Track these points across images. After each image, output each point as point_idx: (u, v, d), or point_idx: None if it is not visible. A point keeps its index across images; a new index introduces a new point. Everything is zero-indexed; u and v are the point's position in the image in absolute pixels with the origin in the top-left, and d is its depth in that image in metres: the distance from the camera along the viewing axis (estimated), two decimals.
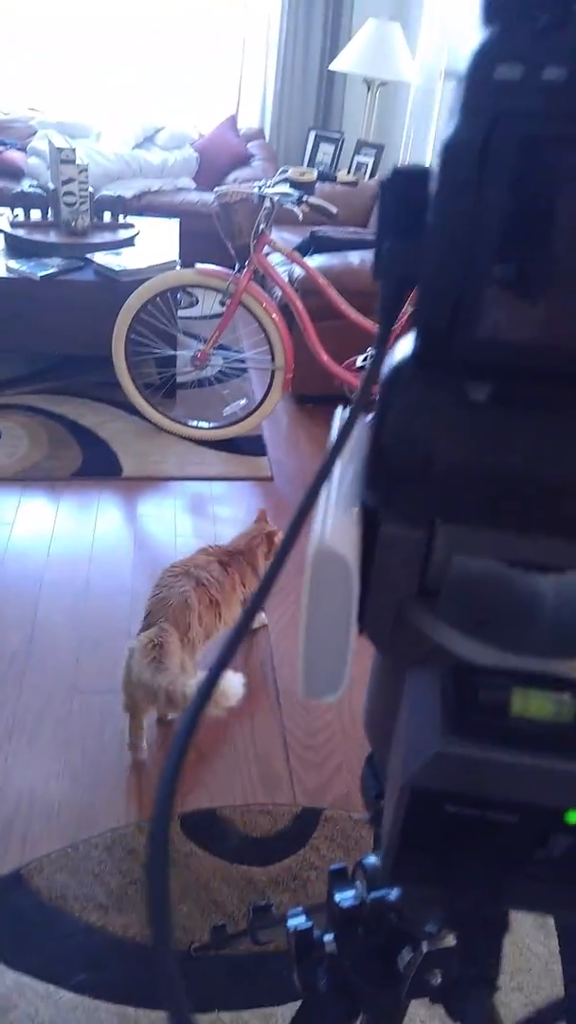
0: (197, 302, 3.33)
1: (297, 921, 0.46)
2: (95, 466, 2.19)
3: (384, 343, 0.25)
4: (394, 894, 0.38)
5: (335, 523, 0.26)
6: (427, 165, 0.23)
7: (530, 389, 0.23)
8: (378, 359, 0.25)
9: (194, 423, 2.38)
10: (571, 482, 0.24)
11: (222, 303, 2.18)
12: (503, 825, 0.24)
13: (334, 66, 3.60)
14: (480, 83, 0.20)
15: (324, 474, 0.26)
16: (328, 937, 0.45)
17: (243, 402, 2.41)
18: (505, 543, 0.26)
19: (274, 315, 2.19)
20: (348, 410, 0.27)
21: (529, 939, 1.10)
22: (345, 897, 0.43)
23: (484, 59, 0.20)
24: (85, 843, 1.20)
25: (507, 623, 0.28)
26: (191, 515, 2.06)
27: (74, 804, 1.27)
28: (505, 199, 0.21)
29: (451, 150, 0.21)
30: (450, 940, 0.39)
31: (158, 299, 2.29)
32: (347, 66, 3.48)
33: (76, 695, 1.48)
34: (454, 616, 0.28)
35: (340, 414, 0.30)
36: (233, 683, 1.24)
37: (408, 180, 0.23)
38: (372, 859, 0.40)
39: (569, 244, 0.21)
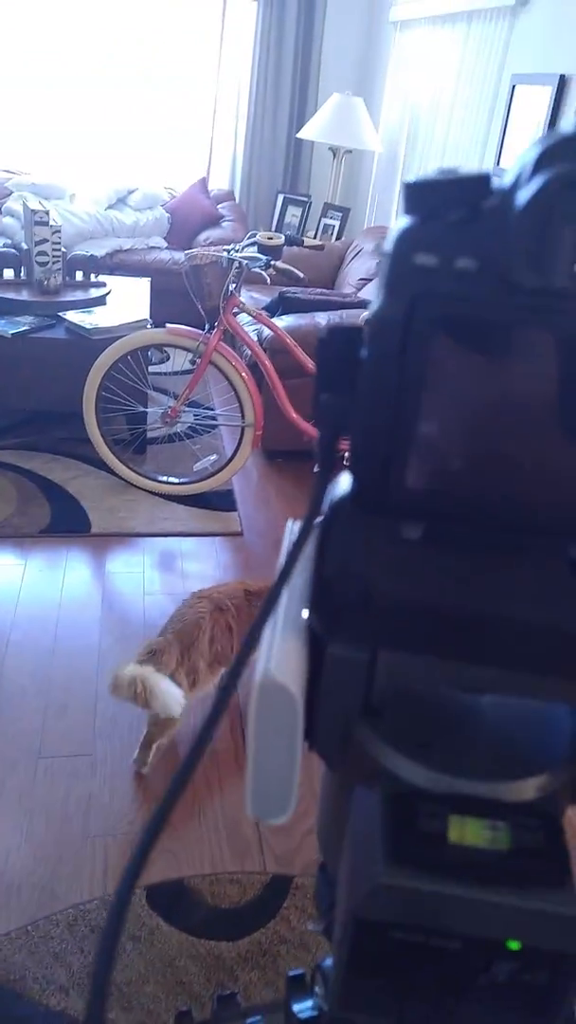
0: (168, 358, 3.40)
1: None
2: (64, 522, 2.19)
3: (324, 480, 0.27)
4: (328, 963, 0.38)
5: (280, 652, 0.27)
6: (359, 327, 0.25)
7: (460, 530, 0.25)
8: (318, 494, 0.27)
9: (164, 478, 2.40)
10: (496, 617, 0.26)
11: (192, 362, 2.24)
12: (448, 951, 0.25)
13: (302, 134, 3.79)
14: (401, 266, 0.22)
15: (276, 595, 0.27)
16: None
17: (214, 458, 2.44)
18: (444, 669, 0.27)
19: (243, 373, 2.24)
20: (298, 527, 0.28)
21: None
22: (303, 1008, 0.43)
23: (404, 245, 0.22)
24: (46, 920, 1.16)
25: (447, 745, 0.29)
26: (160, 571, 2.06)
27: (35, 879, 1.23)
28: (425, 372, 0.23)
29: (375, 325, 0.23)
30: None
31: (129, 357, 2.33)
32: (313, 135, 3.67)
33: (40, 760, 1.45)
34: (396, 736, 0.29)
35: (290, 527, 0.32)
36: (164, 686, 1.25)
37: (343, 339, 0.25)
38: (331, 962, 0.40)
39: (485, 415, 0.23)
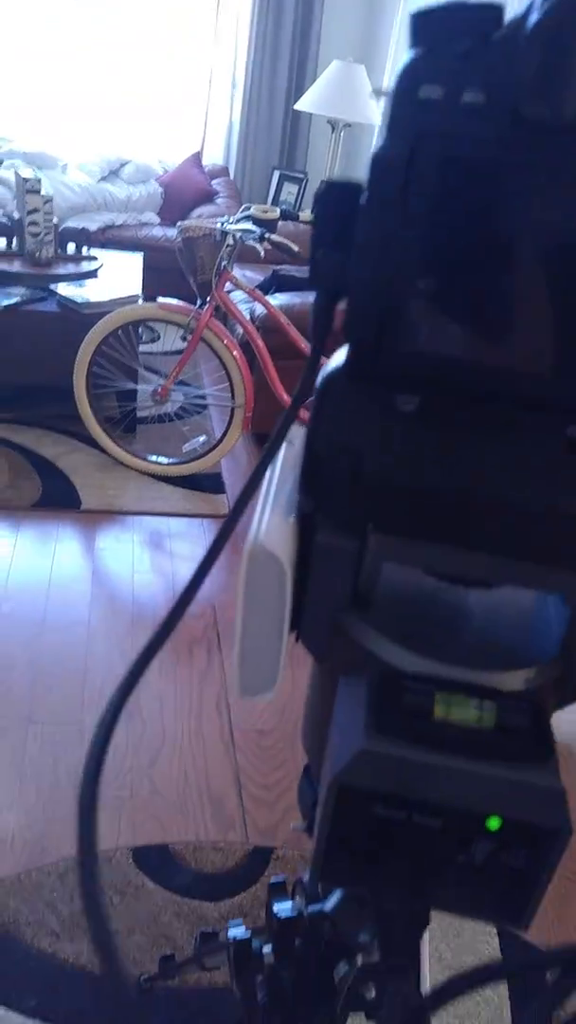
0: (159, 337, 3.39)
1: (237, 932, 0.47)
2: (54, 497, 2.21)
3: (317, 352, 0.25)
4: (330, 904, 0.40)
5: (270, 525, 0.27)
6: (359, 180, 0.24)
7: (457, 403, 0.24)
8: (311, 367, 0.26)
9: (153, 458, 2.42)
10: (490, 496, 0.25)
11: (183, 339, 2.24)
12: (428, 829, 0.25)
13: (299, 106, 3.73)
14: (405, 101, 0.21)
15: (262, 469, 0.27)
16: (267, 949, 0.46)
17: (203, 439, 2.46)
18: (433, 555, 0.27)
19: (235, 352, 2.26)
20: (286, 411, 0.27)
21: (476, 940, 1.15)
22: (283, 908, 0.44)
23: (409, 78, 0.20)
24: (38, 871, 1.22)
25: (435, 635, 0.29)
26: (149, 550, 2.09)
27: (27, 835, 1.28)
28: (428, 216, 0.21)
29: (378, 165, 0.21)
30: (372, 957, 0.41)
31: (120, 332, 2.34)
32: (312, 106, 3.60)
33: (31, 726, 1.49)
34: (385, 626, 0.28)
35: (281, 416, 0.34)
36: None
37: (342, 193, 0.24)
38: (330, 904, 0.41)
39: (487, 263, 0.22)
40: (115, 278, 2.78)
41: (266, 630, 0.28)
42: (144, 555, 2.06)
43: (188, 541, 2.15)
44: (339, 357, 0.26)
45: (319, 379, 0.26)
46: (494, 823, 0.25)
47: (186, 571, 2.02)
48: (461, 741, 0.25)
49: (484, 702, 0.26)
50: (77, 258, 2.83)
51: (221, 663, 1.73)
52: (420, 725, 0.25)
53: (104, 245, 3.50)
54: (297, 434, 0.34)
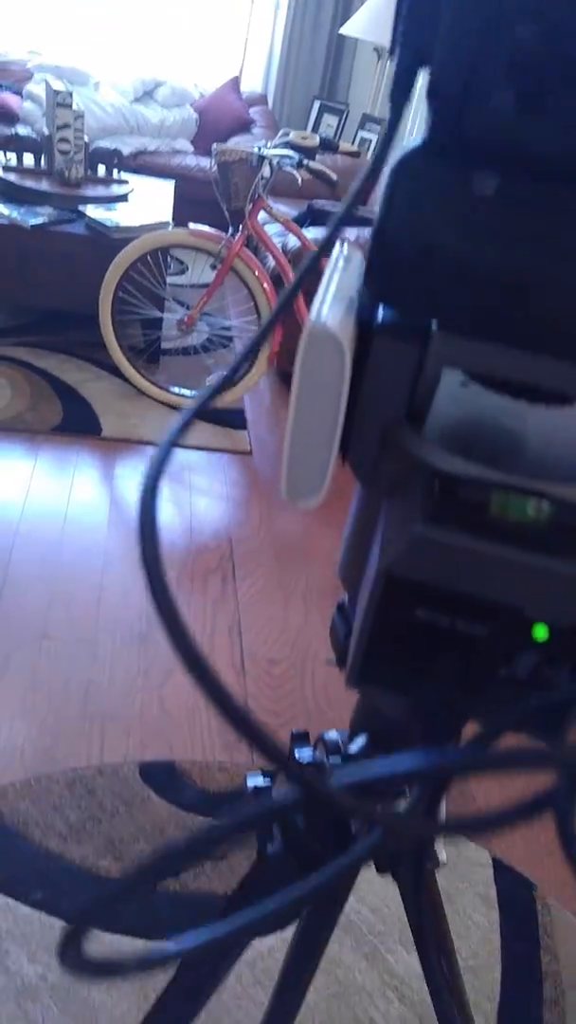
0: (187, 270, 3.30)
1: (256, 780, 0.47)
2: (75, 423, 2.19)
3: (395, 125, 0.24)
4: (354, 747, 0.39)
5: (332, 309, 0.25)
6: None
7: (539, 188, 0.23)
8: (386, 143, 0.24)
9: (176, 390, 2.38)
10: (566, 290, 0.23)
11: (213, 267, 2.18)
12: (472, 638, 0.25)
13: (345, 30, 3.53)
14: None
15: (318, 256, 0.25)
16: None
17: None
18: (499, 358, 0.25)
19: (265, 284, 2.19)
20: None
21: (471, 909, 1.17)
22: (304, 754, 0.44)
23: None
24: (47, 778, 1.24)
25: (493, 449, 0.28)
26: (168, 481, 2.07)
27: (37, 744, 1.30)
28: None
29: None
30: (400, 805, 0.41)
31: (148, 258, 2.27)
32: (359, 31, 3.41)
33: (44, 641, 1.51)
34: (440, 439, 0.28)
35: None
36: None
37: None
38: (333, 733, 0.41)
39: None
40: (145, 204, 2.70)
41: (318, 424, 0.26)
42: (162, 485, 2.04)
43: (207, 475, 2.13)
44: (415, 139, 0.25)
45: (395, 160, 0.25)
46: (541, 632, 0.24)
47: (204, 505, 2.01)
48: (516, 534, 0.24)
49: (542, 501, 0.25)
50: (107, 181, 2.74)
51: (235, 592, 1.73)
52: (476, 517, 0.24)
53: (136, 171, 3.39)
54: (355, 255, 0.31)
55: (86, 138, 2.62)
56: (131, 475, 2.06)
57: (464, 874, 1.21)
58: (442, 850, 0.45)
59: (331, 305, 0.26)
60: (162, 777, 1.30)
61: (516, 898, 1.19)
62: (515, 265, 0.24)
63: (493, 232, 0.23)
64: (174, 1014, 0.54)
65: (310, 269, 0.25)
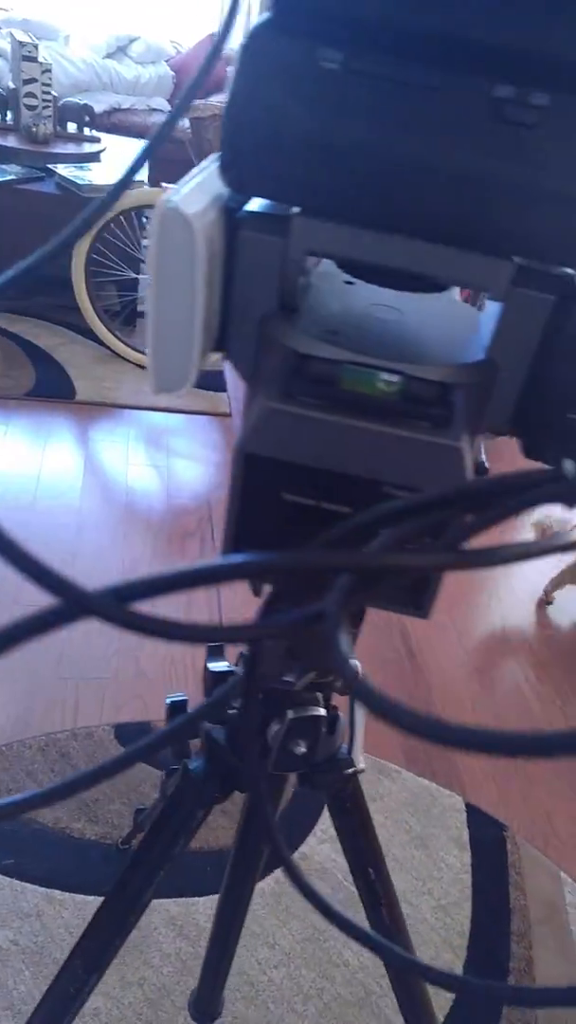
0: None
1: (176, 697, 0.50)
2: (49, 387, 2.14)
3: (237, 1, 0.25)
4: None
5: (189, 192, 0.25)
6: None
7: (382, 62, 0.23)
8: (228, 22, 0.25)
9: None
10: (414, 165, 0.24)
11: None
12: (339, 517, 0.26)
13: None
14: None
15: (178, 112, 0.25)
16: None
17: None
18: (356, 241, 0.26)
19: None
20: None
21: (444, 852, 1.17)
22: (218, 665, 0.46)
23: None
24: (20, 743, 1.23)
25: (359, 334, 0.29)
26: (145, 444, 2.04)
27: (9, 710, 1.28)
28: None
29: None
30: (314, 710, 0.42)
31: (122, 219, 2.21)
32: None
33: (17, 608, 1.48)
34: (312, 329, 0.28)
35: None
36: None
37: None
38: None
39: None
40: (118, 163, 2.61)
41: (177, 312, 0.26)
42: (139, 449, 2.01)
43: (185, 437, 2.09)
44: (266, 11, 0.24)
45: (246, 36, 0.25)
46: None
47: (183, 468, 1.98)
48: (366, 406, 0.25)
49: (392, 375, 0.25)
50: (78, 138, 2.65)
51: (214, 554, 1.71)
52: (326, 391, 0.25)
53: (108, 130, 3.29)
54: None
55: (55, 93, 2.52)
56: (107, 439, 2.02)
57: (438, 820, 1.21)
58: (360, 759, 0.46)
59: (191, 191, 0.26)
60: (138, 738, 1.28)
61: (487, 839, 1.20)
62: (363, 142, 0.23)
63: (340, 108, 0.23)
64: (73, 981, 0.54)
65: (170, 123, 0.25)
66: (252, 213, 0.27)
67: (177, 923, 1.04)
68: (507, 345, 0.27)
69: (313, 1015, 0.96)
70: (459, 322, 0.31)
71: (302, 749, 0.42)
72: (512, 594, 1.77)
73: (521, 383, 0.27)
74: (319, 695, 0.43)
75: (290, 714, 0.41)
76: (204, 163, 0.29)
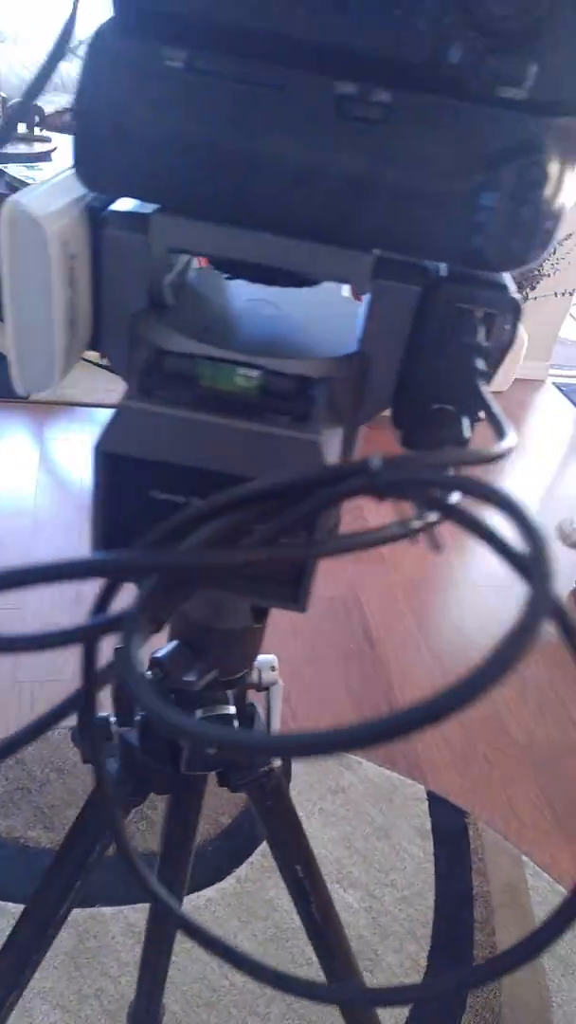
0: None
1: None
2: (2, 387, 2.10)
3: (77, 3, 0.25)
4: (162, 652, 0.39)
5: (45, 194, 0.25)
6: None
7: (225, 61, 0.23)
8: (69, 22, 0.25)
9: None
10: (263, 161, 0.24)
11: None
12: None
13: None
14: None
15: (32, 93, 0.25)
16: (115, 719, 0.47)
17: None
18: (216, 238, 0.26)
19: None
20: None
21: (407, 842, 1.17)
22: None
23: None
24: None
25: (232, 332, 0.29)
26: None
27: None
28: None
29: None
30: (224, 709, 0.41)
31: None
32: None
33: None
34: (179, 325, 0.28)
35: None
36: None
37: None
38: (163, 651, 0.41)
39: None
40: (70, 164, 2.58)
41: (36, 312, 0.26)
42: None
43: None
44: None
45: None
46: None
47: None
48: (224, 402, 0.25)
49: (250, 370, 0.25)
50: (28, 138, 2.61)
51: None
52: (182, 388, 0.25)
53: (60, 130, 3.25)
54: None
55: (3, 95, 2.48)
56: (62, 436, 1.98)
57: (400, 809, 1.21)
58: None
59: (45, 192, 0.25)
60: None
61: (449, 827, 1.20)
62: (210, 140, 0.23)
63: (185, 106, 0.23)
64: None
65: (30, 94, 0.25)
66: (115, 212, 0.27)
67: (135, 930, 1.01)
68: (377, 337, 0.27)
69: (276, 1017, 0.94)
70: (336, 315, 0.31)
71: (213, 751, 0.41)
72: (471, 581, 1.78)
73: (395, 374, 0.28)
74: (229, 693, 0.42)
75: (198, 713, 0.41)
76: (70, 165, 0.29)
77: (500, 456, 0.19)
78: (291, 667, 1.46)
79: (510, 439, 0.20)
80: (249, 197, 0.24)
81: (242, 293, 0.32)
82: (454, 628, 1.64)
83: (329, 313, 0.31)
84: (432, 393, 0.27)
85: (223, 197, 0.25)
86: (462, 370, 0.26)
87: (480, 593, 1.75)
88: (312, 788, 1.22)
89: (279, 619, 1.52)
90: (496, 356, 0.27)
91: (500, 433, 0.20)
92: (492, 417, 0.22)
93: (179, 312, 0.29)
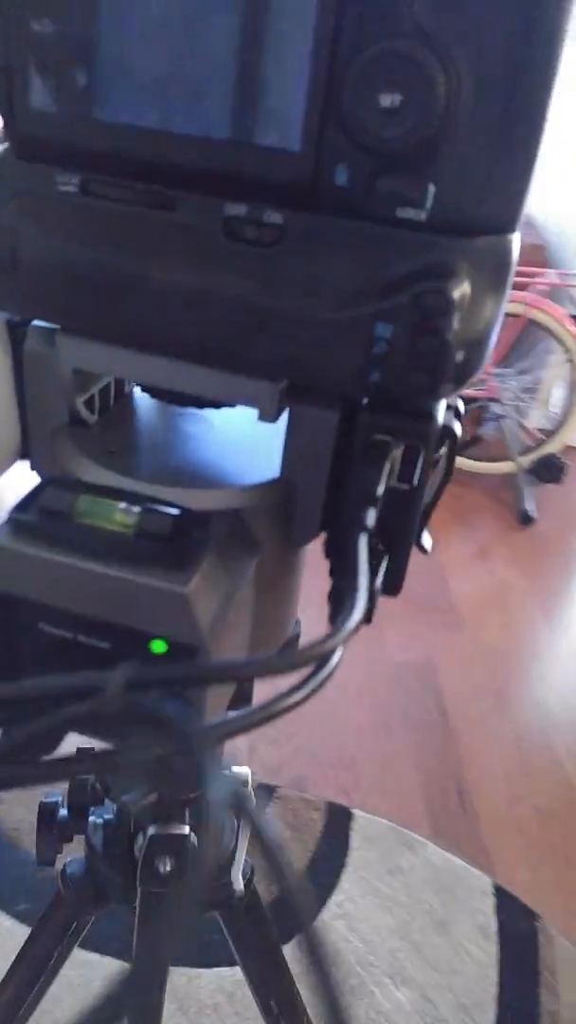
0: None
1: (52, 799, 0.48)
2: None
3: None
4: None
5: None
6: None
7: (116, 184, 0.23)
8: None
9: None
10: (155, 285, 0.23)
11: None
12: (99, 652, 0.24)
13: None
14: None
15: None
16: (64, 813, 0.48)
17: None
18: (121, 361, 0.26)
19: None
20: None
21: (468, 941, 1.08)
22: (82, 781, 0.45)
23: None
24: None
25: (146, 457, 0.28)
26: None
27: None
28: None
29: None
30: (178, 828, 0.39)
31: None
32: None
33: None
34: (91, 446, 0.28)
35: None
36: None
37: None
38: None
39: (106, 17, 0.20)
40: None
41: None
42: None
43: None
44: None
45: None
46: (157, 646, 0.23)
47: None
48: (97, 544, 0.23)
49: (130, 507, 0.24)
50: None
51: None
52: (56, 525, 0.24)
53: None
54: None
55: None
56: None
57: (463, 902, 1.12)
58: (239, 880, 0.41)
59: None
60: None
61: (517, 930, 1.09)
62: (102, 264, 0.24)
63: (78, 229, 0.23)
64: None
65: None
66: (34, 328, 0.27)
67: (177, 995, 0.99)
68: (297, 462, 0.26)
69: None
70: (274, 435, 0.29)
71: (166, 867, 0.38)
72: (557, 654, 1.67)
73: (322, 501, 0.26)
74: (187, 811, 0.39)
75: (151, 830, 0.39)
76: None
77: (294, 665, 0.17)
78: (357, 735, 1.42)
79: (355, 615, 0.18)
80: (144, 321, 0.24)
81: (181, 408, 0.32)
82: (535, 704, 1.53)
83: (267, 432, 0.29)
84: (347, 518, 0.25)
85: (119, 321, 0.24)
86: (361, 510, 0.23)
87: (565, 669, 1.64)
88: (369, 866, 1.16)
89: (347, 681, 1.49)
90: (417, 493, 0.24)
91: (349, 605, 0.19)
92: (350, 583, 0.20)
93: (100, 429, 0.28)
